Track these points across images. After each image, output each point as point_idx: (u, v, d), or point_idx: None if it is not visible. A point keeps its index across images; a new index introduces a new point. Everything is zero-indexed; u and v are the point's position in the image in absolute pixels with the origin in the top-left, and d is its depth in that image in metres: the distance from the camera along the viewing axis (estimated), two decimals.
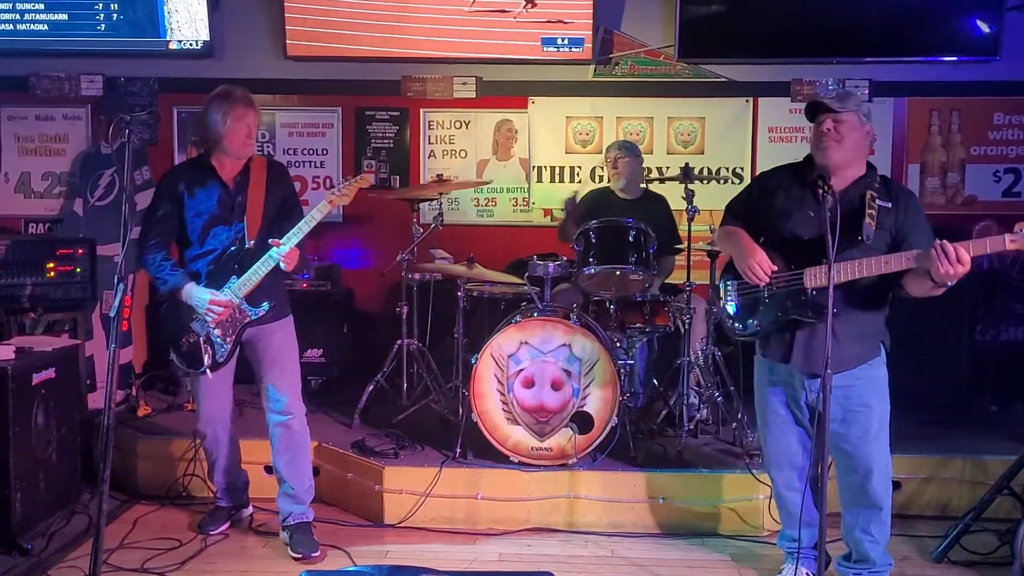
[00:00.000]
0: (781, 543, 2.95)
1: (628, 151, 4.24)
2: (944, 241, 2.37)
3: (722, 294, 2.81)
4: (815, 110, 2.62)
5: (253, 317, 3.03)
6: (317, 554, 3.09)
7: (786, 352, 2.68)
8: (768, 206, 2.72)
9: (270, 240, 2.96)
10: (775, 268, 2.64)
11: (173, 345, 3.08)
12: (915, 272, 2.48)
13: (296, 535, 3.12)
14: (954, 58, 4.54)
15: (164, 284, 3.02)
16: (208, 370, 3.03)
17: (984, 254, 2.39)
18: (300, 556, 3.07)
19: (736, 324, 2.77)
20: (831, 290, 2.38)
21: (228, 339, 3.03)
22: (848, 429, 2.65)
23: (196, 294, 2.98)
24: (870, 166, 2.66)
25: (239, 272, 3.00)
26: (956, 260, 2.34)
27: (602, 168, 4.79)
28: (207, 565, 3.07)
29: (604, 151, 4.36)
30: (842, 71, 4.68)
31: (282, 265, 2.96)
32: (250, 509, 3.43)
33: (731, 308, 2.79)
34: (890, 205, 2.59)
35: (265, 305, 3.03)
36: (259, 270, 2.98)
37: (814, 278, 2.58)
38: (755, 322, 2.72)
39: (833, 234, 2.38)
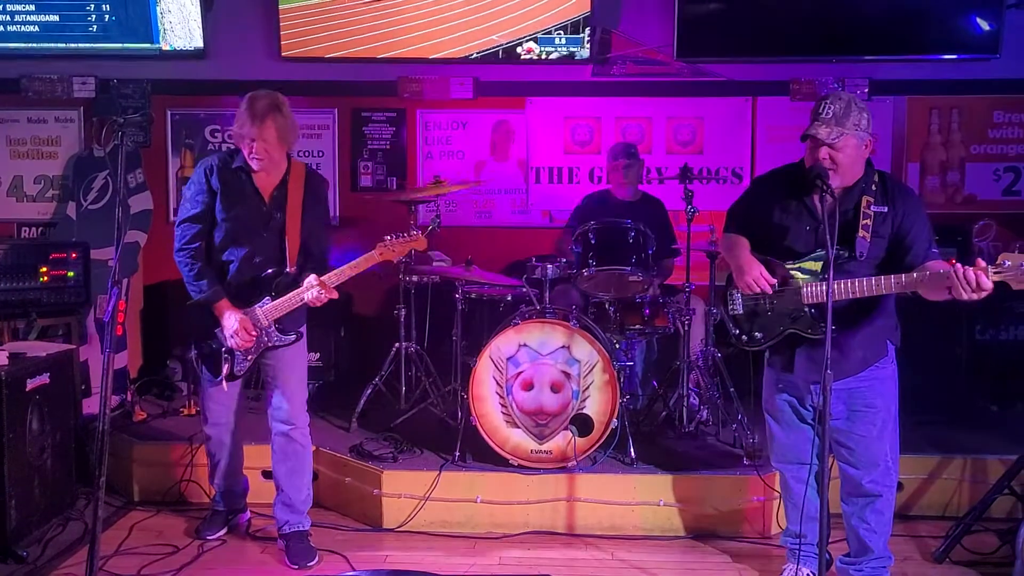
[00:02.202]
0: (784, 540, 2.96)
1: (635, 156, 4.22)
2: (967, 268, 2.29)
3: (728, 303, 2.80)
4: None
5: (279, 344, 3.01)
6: (314, 562, 3.07)
7: (788, 363, 2.70)
8: (766, 219, 2.71)
9: (316, 278, 2.89)
10: (774, 281, 2.63)
11: (196, 343, 3.06)
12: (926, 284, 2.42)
13: (292, 544, 3.10)
14: (954, 56, 4.52)
15: (199, 294, 2.98)
16: (224, 380, 3.03)
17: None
18: (297, 567, 3.05)
19: (742, 335, 2.78)
20: (830, 289, 2.35)
21: (250, 357, 3.02)
22: (852, 427, 2.67)
23: (228, 316, 2.94)
24: (867, 164, 2.62)
25: (275, 295, 2.97)
26: (977, 287, 2.28)
27: (600, 169, 4.77)
28: (204, 571, 3.05)
29: (611, 156, 4.30)
30: (841, 69, 4.66)
31: (309, 299, 2.92)
32: (247, 514, 3.41)
33: (737, 319, 2.78)
34: (886, 209, 2.56)
35: (293, 335, 3.02)
36: (293, 300, 2.94)
37: (811, 294, 2.58)
38: (760, 335, 2.72)
39: (832, 237, 2.35)
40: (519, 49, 4.62)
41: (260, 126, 2.85)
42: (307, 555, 3.07)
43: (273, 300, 2.97)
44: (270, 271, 2.99)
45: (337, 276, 2.92)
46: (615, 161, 4.24)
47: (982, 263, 2.30)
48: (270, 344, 3.01)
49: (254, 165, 2.94)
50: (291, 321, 3.02)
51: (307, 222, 3.03)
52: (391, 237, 2.96)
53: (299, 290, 2.93)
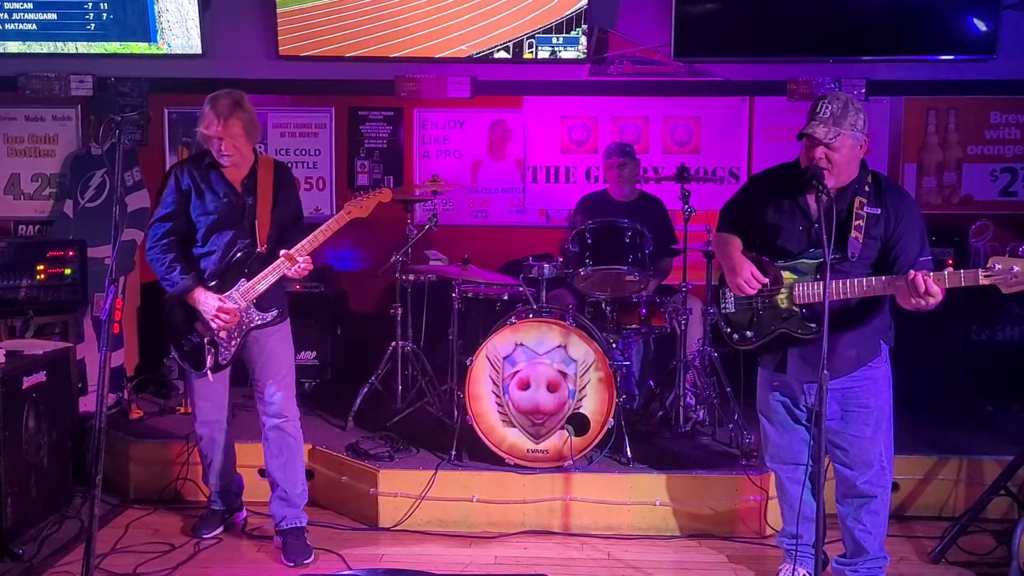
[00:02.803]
0: (780, 540, 2.96)
1: (630, 156, 4.23)
2: (917, 274, 2.34)
3: (721, 302, 2.81)
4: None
5: (260, 322, 3.03)
6: (310, 560, 3.07)
7: (780, 363, 2.70)
8: (759, 218, 2.72)
9: (282, 252, 2.94)
10: (766, 281, 2.64)
11: (175, 344, 3.07)
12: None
13: (288, 540, 3.10)
14: (951, 57, 4.52)
15: (173, 286, 3.00)
16: (209, 372, 3.03)
17: (958, 286, 2.35)
18: (293, 564, 3.05)
19: (734, 335, 2.78)
20: (827, 289, 2.35)
21: (233, 342, 3.03)
22: (846, 428, 2.67)
23: (205, 299, 2.96)
24: (861, 165, 2.62)
25: (248, 276, 2.99)
26: (925, 292, 2.33)
27: (597, 168, 4.77)
28: (200, 570, 3.05)
29: (605, 155, 4.32)
30: (838, 70, 4.67)
31: (290, 273, 2.95)
32: (243, 513, 3.41)
33: (729, 318, 2.79)
34: (879, 211, 2.56)
35: (274, 311, 3.05)
36: (269, 277, 2.97)
37: (802, 294, 2.59)
38: (751, 334, 2.73)
39: (829, 237, 2.36)
40: (516, 48, 4.61)
41: (226, 124, 2.90)
42: (303, 553, 3.07)
43: (248, 281, 2.99)
44: (240, 254, 3.00)
45: (309, 243, 2.95)
46: (609, 160, 4.25)
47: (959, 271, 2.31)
48: (252, 324, 3.02)
49: (224, 162, 2.98)
50: (269, 300, 3.03)
51: (280, 209, 3.06)
52: (357, 195, 3.02)
53: (272, 266, 2.96)
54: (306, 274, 3.00)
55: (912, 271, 2.36)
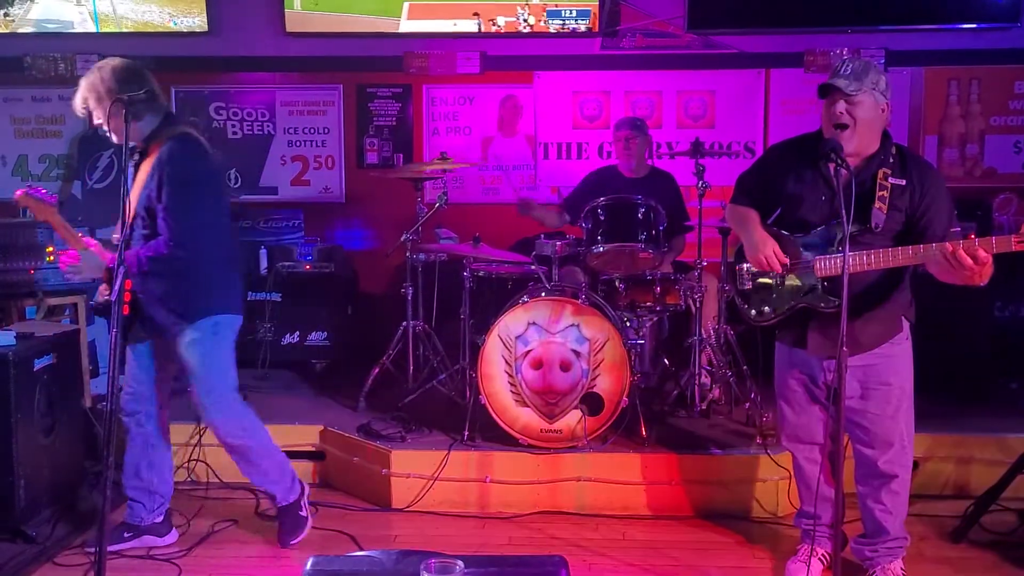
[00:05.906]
0: (798, 521, 2.92)
1: (640, 130, 4.14)
2: (950, 243, 2.27)
3: (737, 278, 2.75)
4: (828, 91, 2.49)
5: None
6: (298, 540, 3.03)
7: (800, 339, 2.64)
8: (779, 188, 2.65)
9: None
10: (787, 261, 2.59)
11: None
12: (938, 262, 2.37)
13: (280, 521, 3.07)
14: (973, 25, 4.42)
15: None
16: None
17: (991, 252, 2.28)
18: (282, 545, 3.03)
19: (751, 311, 2.72)
20: (846, 264, 2.29)
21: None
22: (866, 406, 2.62)
23: None
24: (885, 137, 2.56)
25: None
26: (975, 261, 2.25)
27: (610, 144, 4.70)
28: (214, 551, 3.04)
29: (614, 128, 4.26)
30: (857, 40, 4.57)
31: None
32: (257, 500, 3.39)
33: (746, 293, 2.73)
34: (904, 182, 2.50)
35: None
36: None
37: (825, 267, 2.52)
38: (769, 309, 2.67)
39: (848, 210, 2.29)
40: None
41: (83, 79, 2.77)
42: (291, 533, 3.03)
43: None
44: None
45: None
46: (617, 132, 4.18)
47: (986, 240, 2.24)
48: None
49: (112, 138, 2.82)
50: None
51: (147, 187, 2.72)
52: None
53: None
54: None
55: (959, 241, 2.28)
